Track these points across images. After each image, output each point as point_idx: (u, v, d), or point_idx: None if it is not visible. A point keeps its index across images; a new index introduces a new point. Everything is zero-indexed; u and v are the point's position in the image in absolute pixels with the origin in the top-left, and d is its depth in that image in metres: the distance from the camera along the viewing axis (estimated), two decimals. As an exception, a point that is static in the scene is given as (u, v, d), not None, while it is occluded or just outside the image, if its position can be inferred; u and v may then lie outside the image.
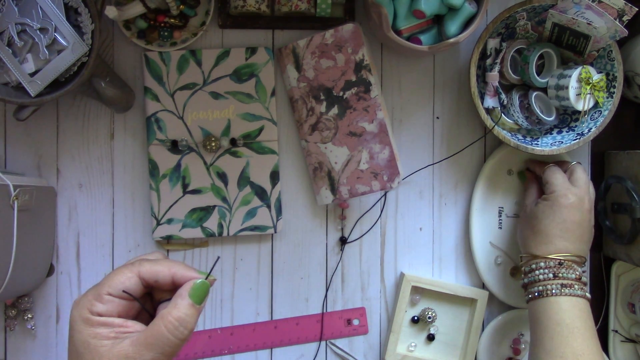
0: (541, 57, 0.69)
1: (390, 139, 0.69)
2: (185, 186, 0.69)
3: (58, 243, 0.70)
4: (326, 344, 0.73)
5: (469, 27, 0.64)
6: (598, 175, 0.75)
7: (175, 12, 0.66)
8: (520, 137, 0.70)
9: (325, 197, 0.70)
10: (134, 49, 0.70)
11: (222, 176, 0.70)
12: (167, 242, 0.71)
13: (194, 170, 0.69)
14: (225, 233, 0.70)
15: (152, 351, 0.41)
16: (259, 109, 0.69)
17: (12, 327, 0.69)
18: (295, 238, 0.73)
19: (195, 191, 0.69)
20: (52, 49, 0.60)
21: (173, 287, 0.44)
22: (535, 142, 0.69)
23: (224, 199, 0.69)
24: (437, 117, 0.74)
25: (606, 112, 0.67)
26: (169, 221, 0.69)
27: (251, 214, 0.70)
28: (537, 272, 0.63)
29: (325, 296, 0.73)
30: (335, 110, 0.69)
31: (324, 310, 0.73)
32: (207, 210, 0.69)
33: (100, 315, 0.42)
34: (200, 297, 0.43)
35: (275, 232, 0.70)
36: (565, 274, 0.61)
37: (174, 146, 0.69)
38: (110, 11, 0.60)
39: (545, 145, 0.68)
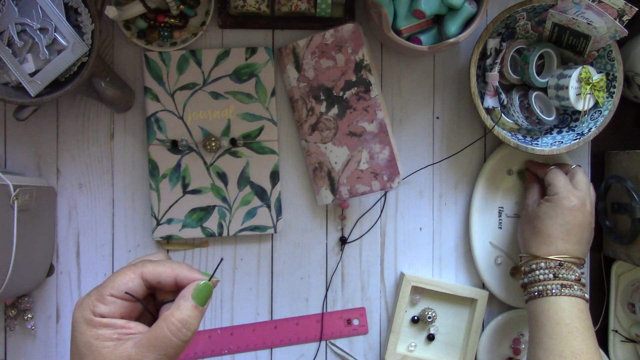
0: (541, 57, 0.69)
1: (390, 139, 0.69)
2: (185, 186, 0.69)
3: (58, 243, 0.70)
4: (326, 344, 0.73)
5: (469, 27, 0.64)
6: (598, 175, 0.75)
7: (175, 12, 0.66)
8: (520, 137, 0.70)
9: (325, 197, 0.70)
10: (134, 49, 0.70)
11: (222, 176, 0.70)
12: (167, 242, 0.71)
13: (194, 170, 0.69)
14: (225, 233, 0.70)
15: (154, 353, 0.41)
16: (259, 109, 0.69)
17: (12, 327, 0.69)
18: (295, 238, 0.73)
19: (195, 191, 0.69)
20: (52, 49, 0.60)
21: (176, 289, 0.44)
22: (535, 142, 0.69)
23: (224, 199, 0.69)
24: (437, 117, 0.74)
25: (606, 112, 0.67)
26: (169, 221, 0.69)
27: (251, 214, 0.70)
28: (537, 272, 0.63)
29: (325, 296, 0.73)
30: (335, 110, 0.69)
31: (324, 310, 0.73)
32: (207, 210, 0.69)
33: (102, 316, 0.42)
34: (203, 298, 0.43)
35: (275, 232, 0.70)
36: (565, 275, 0.62)
37: (174, 146, 0.69)
38: (110, 11, 0.60)
39: (545, 145, 0.68)
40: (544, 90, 0.69)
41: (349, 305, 0.73)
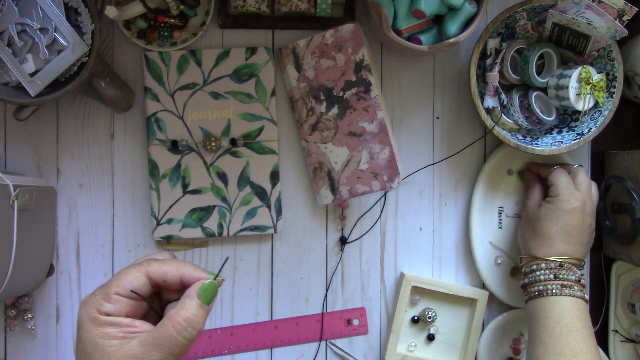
0: (541, 57, 0.69)
1: (390, 139, 0.69)
2: (185, 186, 0.69)
3: (58, 243, 0.70)
4: (326, 344, 0.73)
5: (469, 27, 0.64)
6: (598, 175, 0.75)
7: (175, 12, 0.66)
8: (520, 137, 0.70)
9: (325, 197, 0.70)
10: (134, 49, 0.70)
11: (222, 176, 0.70)
12: (167, 242, 0.71)
13: (194, 170, 0.69)
14: (225, 233, 0.70)
15: (160, 351, 0.41)
16: (259, 109, 0.69)
17: (12, 327, 0.69)
18: (295, 238, 0.73)
19: (195, 191, 0.69)
20: (52, 49, 0.60)
21: (181, 288, 0.44)
22: (535, 142, 0.69)
23: (224, 199, 0.69)
24: (437, 117, 0.74)
25: (606, 112, 0.67)
26: (169, 221, 0.69)
27: (251, 214, 0.70)
28: (537, 272, 0.63)
29: (325, 296, 0.73)
30: (335, 110, 0.69)
31: (324, 310, 0.73)
32: (207, 210, 0.69)
33: (108, 314, 0.42)
34: (208, 297, 0.43)
35: (275, 232, 0.70)
36: (565, 275, 0.62)
37: (174, 146, 0.68)
38: (110, 11, 0.60)
39: (545, 145, 0.68)
40: (544, 90, 0.69)
41: (349, 305, 0.73)
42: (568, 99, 0.65)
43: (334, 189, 0.70)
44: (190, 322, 0.42)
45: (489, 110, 0.69)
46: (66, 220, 0.70)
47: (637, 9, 0.63)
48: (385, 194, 0.73)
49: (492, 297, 0.73)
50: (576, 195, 0.65)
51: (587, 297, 0.63)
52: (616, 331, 0.74)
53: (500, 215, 0.74)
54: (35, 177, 0.69)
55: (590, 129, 0.67)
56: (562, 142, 0.68)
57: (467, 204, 0.74)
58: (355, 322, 0.73)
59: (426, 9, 0.63)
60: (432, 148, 0.74)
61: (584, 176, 0.67)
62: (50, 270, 0.69)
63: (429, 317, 0.72)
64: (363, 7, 0.70)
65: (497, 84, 0.68)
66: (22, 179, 0.63)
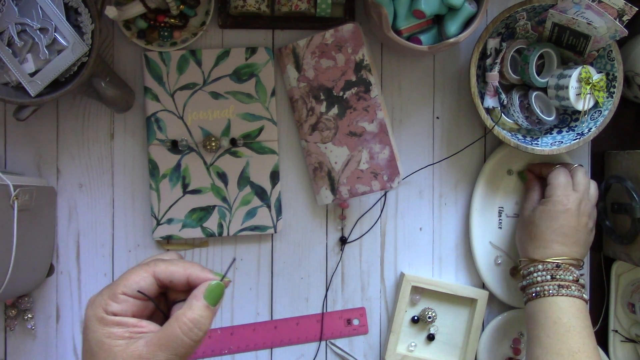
0: (541, 57, 0.69)
1: (390, 139, 0.69)
2: (185, 186, 0.69)
3: (58, 243, 0.70)
4: (326, 344, 0.73)
5: (469, 27, 0.64)
6: (598, 175, 0.75)
7: (175, 12, 0.66)
8: (520, 137, 0.70)
9: (325, 197, 0.70)
10: (134, 49, 0.70)
11: (222, 176, 0.70)
12: (167, 242, 0.71)
13: (194, 170, 0.69)
14: (225, 233, 0.70)
15: (166, 352, 0.41)
16: (259, 109, 0.69)
17: (12, 327, 0.69)
18: (295, 238, 0.73)
19: (195, 191, 0.69)
20: (52, 49, 0.60)
21: (188, 288, 0.44)
22: (535, 142, 0.69)
23: (224, 199, 0.69)
24: (437, 117, 0.74)
25: (606, 112, 0.67)
26: (169, 221, 0.69)
27: (251, 214, 0.70)
28: (535, 274, 0.64)
29: (325, 296, 0.73)
30: (335, 110, 0.69)
31: (324, 310, 0.73)
32: (207, 210, 0.69)
33: (115, 314, 0.42)
34: (215, 298, 0.43)
35: (275, 232, 0.70)
36: (562, 276, 0.62)
37: (174, 146, 0.68)
38: (110, 11, 0.60)
39: (545, 145, 0.68)
40: (544, 90, 0.69)
41: (349, 305, 0.73)
42: (568, 99, 0.65)
43: (334, 189, 0.70)
44: (196, 323, 0.41)
45: (489, 110, 0.69)
46: (66, 220, 0.70)
47: (637, 9, 0.63)
48: (385, 194, 0.73)
49: (492, 297, 0.73)
50: (571, 196, 0.65)
51: (586, 296, 0.63)
52: (616, 331, 0.74)
53: (500, 215, 0.74)
54: (35, 177, 0.69)
55: (590, 129, 0.67)
56: (562, 142, 0.68)
57: (467, 204, 0.74)
58: (355, 322, 0.73)
59: (426, 9, 0.63)
60: (432, 148, 0.74)
61: (582, 176, 0.67)
62: (50, 270, 0.69)
63: (429, 317, 0.72)
64: (363, 7, 0.70)
65: (497, 84, 0.68)
66: (22, 179, 0.63)
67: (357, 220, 0.73)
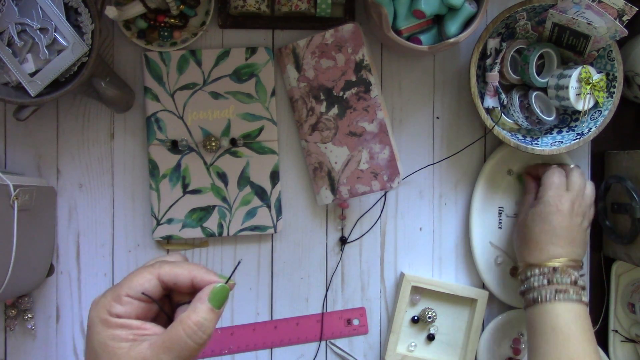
0: (541, 57, 0.69)
1: (390, 139, 0.69)
2: (185, 186, 0.69)
3: (58, 243, 0.70)
4: (326, 344, 0.73)
5: (469, 27, 0.64)
6: (598, 175, 0.75)
7: (175, 12, 0.66)
8: (520, 137, 0.70)
9: (325, 197, 0.70)
10: (134, 49, 0.70)
11: (222, 176, 0.70)
12: (167, 242, 0.71)
13: (194, 170, 0.69)
14: (225, 233, 0.70)
15: (170, 355, 0.40)
16: (259, 109, 0.69)
17: (12, 327, 0.69)
18: (295, 238, 0.73)
19: (195, 191, 0.69)
20: (52, 49, 0.60)
21: (192, 291, 0.44)
22: (535, 142, 0.69)
23: (224, 199, 0.69)
24: (437, 117, 0.74)
25: (606, 112, 0.67)
26: (169, 221, 0.69)
27: (251, 214, 0.70)
28: (532, 279, 0.63)
29: (325, 296, 0.73)
30: (335, 110, 0.69)
31: (324, 310, 0.73)
32: (207, 210, 0.69)
33: (119, 316, 0.42)
34: (219, 301, 0.43)
35: (275, 232, 0.70)
36: (559, 280, 0.62)
37: (174, 146, 0.69)
38: (110, 11, 0.60)
39: (545, 145, 0.68)
40: (544, 90, 0.69)
41: (349, 305, 0.73)
42: (568, 99, 0.65)
43: (334, 189, 0.70)
44: (200, 326, 0.41)
45: (489, 110, 0.69)
46: (66, 220, 0.70)
47: (637, 9, 0.63)
48: (385, 194, 0.73)
49: (492, 297, 0.73)
50: (564, 196, 0.64)
51: (585, 299, 0.62)
52: (616, 331, 0.74)
53: (500, 215, 0.74)
54: (35, 177, 0.69)
55: (590, 129, 0.67)
56: (562, 142, 0.68)
57: (467, 204, 0.74)
58: (355, 322, 0.73)
59: (426, 9, 0.63)
60: (432, 148, 0.74)
61: (577, 176, 0.66)
62: (50, 270, 0.69)
63: (429, 317, 0.72)
64: (363, 7, 0.70)
65: (497, 84, 0.68)
66: (22, 179, 0.63)
67: (357, 220, 0.73)
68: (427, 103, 0.74)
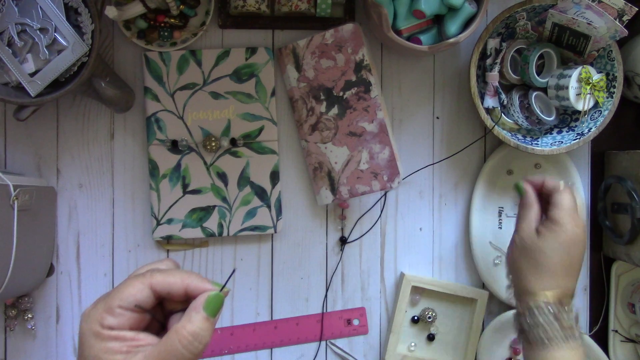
0: (541, 57, 0.69)
1: (390, 139, 0.69)
2: (185, 186, 0.69)
3: (58, 243, 0.70)
4: (326, 344, 0.73)
5: (469, 27, 0.64)
6: (598, 175, 0.75)
7: (175, 12, 0.66)
8: (520, 137, 0.70)
9: (325, 197, 0.70)
10: (134, 49, 0.70)
11: (222, 176, 0.70)
12: (167, 242, 0.71)
13: (194, 170, 0.69)
14: (225, 233, 0.70)
15: None
16: (259, 109, 0.69)
17: (12, 327, 0.69)
18: (295, 238, 0.73)
19: (195, 191, 0.69)
20: (52, 49, 0.60)
21: (185, 299, 0.43)
22: (535, 142, 0.69)
23: (224, 199, 0.69)
24: (437, 117, 0.74)
25: (606, 112, 0.67)
26: (169, 221, 0.69)
27: (251, 214, 0.70)
28: (537, 315, 0.57)
29: (325, 296, 0.73)
30: (335, 110, 0.69)
31: (324, 310, 0.73)
32: (207, 210, 0.69)
33: (111, 328, 0.41)
34: (214, 309, 0.42)
35: (275, 232, 0.70)
36: (567, 318, 0.57)
37: (174, 146, 0.69)
38: (110, 11, 0.60)
39: (545, 145, 0.68)
40: (544, 90, 0.69)
41: (349, 305, 0.73)
42: (568, 99, 0.65)
43: (334, 189, 0.70)
44: (196, 336, 0.40)
45: (489, 110, 0.69)
46: (66, 220, 0.70)
47: (637, 9, 0.63)
48: (385, 194, 0.73)
49: (492, 297, 0.73)
50: (578, 221, 0.59)
51: (582, 334, 0.58)
52: (616, 331, 0.74)
53: (500, 215, 0.74)
54: (35, 177, 0.69)
55: (590, 129, 0.67)
56: (562, 142, 0.68)
57: (467, 204, 0.74)
58: (355, 322, 0.73)
59: (426, 9, 0.63)
60: (432, 148, 0.74)
61: (577, 198, 0.61)
62: (50, 270, 0.69)
63: (429, 317, 0.72)
64: (363, 7, 0.70)
65: (497, 84, 0.68)
66: (22, 179, 0.63)
67: (357, 221, 0.73)
68: (427, 103, 0.74)
